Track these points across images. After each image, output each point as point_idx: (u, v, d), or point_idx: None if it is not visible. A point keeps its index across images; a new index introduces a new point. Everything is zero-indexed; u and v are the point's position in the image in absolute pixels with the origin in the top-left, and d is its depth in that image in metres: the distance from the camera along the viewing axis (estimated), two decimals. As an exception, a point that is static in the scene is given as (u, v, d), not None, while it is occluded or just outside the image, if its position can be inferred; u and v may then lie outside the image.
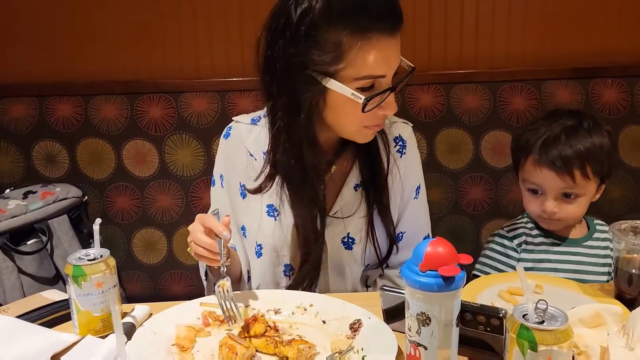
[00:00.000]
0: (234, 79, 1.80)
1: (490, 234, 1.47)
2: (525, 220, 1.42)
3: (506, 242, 1.39)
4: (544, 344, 0.69)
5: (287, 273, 1.19)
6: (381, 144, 1.17)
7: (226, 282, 0.99)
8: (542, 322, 0.72)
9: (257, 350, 0.90)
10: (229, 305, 0.97)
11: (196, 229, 1.01)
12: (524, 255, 1.37)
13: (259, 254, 1.20)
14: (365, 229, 1.17)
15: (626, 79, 1.79)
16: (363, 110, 1.00)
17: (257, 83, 1.09)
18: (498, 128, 1.81)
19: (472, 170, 1.84)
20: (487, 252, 1.41)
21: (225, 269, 1.00)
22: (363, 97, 0.99)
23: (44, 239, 1.53)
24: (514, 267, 1.36)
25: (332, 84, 1.00)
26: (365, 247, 1.18)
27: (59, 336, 0.95)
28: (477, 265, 1.41)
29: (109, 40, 1.81)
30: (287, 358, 0.88)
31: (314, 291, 1.15)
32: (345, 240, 1.18)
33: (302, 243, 1.14)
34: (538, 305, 0.73)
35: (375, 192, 1.17)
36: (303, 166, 1.08)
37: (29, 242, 1.52)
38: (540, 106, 1.79)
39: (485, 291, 1.05)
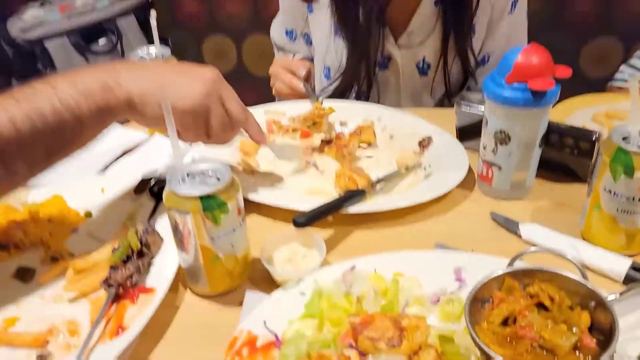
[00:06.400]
0: None
1: None
2: None
3: None
4: (642, 170, 0.60)
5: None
6: None
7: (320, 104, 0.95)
8: (645, 147, 0.61)
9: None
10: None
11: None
12: None
13: (327, 77, 1.13)
14: (441, 53, 1.05)
15: None
16: None
17: None
18: None
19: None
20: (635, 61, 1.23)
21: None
22: None
23: (114, 39, 1.51)
24: None
25: None
26: (443, 72, 1.07)
27: (129, 134, 0.94)
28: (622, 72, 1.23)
29: None
30: None
31: None
32: (420, 65, 1.07)
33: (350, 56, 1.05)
34: (644, 129, 0.62)
35: (454, 9, 1.00)
36: None
37: (100, 43, 1.52)
38: None
39: (577, 112, 0.93)
